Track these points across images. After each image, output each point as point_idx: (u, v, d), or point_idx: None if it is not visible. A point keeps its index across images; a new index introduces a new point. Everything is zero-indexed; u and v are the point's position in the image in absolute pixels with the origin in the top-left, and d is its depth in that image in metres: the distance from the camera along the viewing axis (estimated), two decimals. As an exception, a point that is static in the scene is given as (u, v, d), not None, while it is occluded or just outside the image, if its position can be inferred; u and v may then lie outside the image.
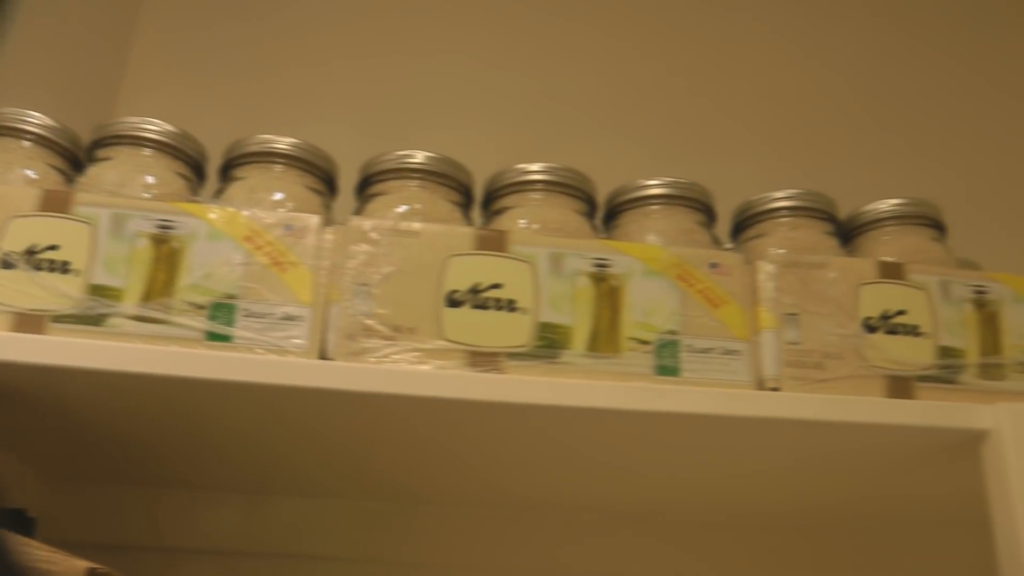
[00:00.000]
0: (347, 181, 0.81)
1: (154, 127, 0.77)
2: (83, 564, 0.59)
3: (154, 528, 0.93)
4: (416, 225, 0.71)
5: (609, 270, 0.72)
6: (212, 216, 0.70)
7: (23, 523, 0.71)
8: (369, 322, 0.68)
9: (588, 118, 1.21)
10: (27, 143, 0.77)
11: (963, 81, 1.32)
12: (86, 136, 0.80)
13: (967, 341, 0.76)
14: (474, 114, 1.19)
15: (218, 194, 0.77)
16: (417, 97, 1.19)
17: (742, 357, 0.71)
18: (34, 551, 0.59)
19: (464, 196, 0.79)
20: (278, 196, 0.75)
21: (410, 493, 0.92)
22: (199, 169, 0.80)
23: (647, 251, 0.73)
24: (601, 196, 0.82)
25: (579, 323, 0.70)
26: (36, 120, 0.77)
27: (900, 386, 0.73)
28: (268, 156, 0.77)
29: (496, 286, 0.70)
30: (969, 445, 0.71)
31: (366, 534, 0.94)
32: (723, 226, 0.83)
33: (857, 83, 1.30)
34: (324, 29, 1.22)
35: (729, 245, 0.83)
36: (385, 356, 0.67)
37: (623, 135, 1.20)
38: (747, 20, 1.31)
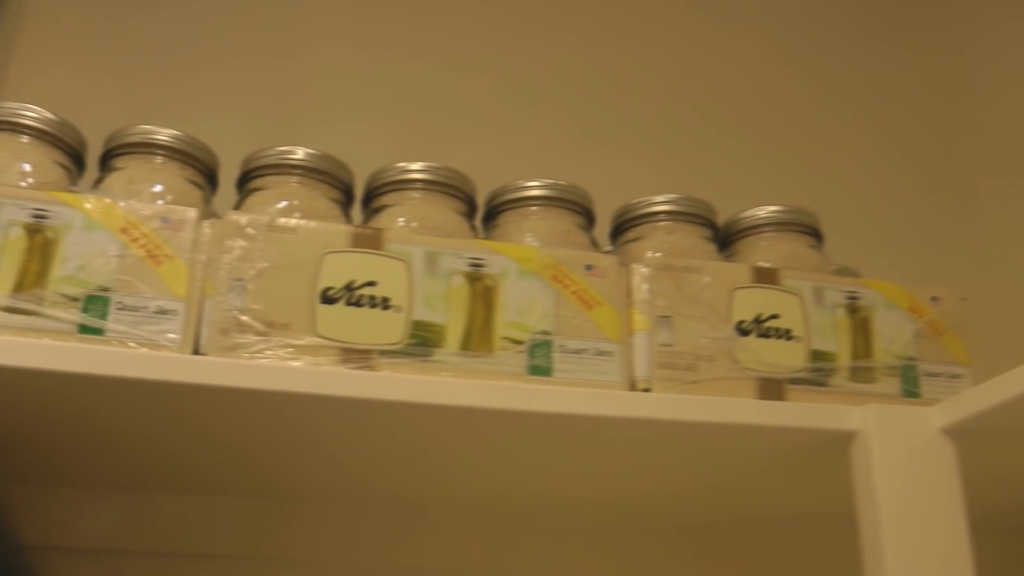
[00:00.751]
0: (232, 175, 0.81)
1: (33, 114, 0.76)
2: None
3: (29, 527, 0.91)
4: (292, 221, 0.71)
5: (484, 270, 0.72)
6: (88, 206, 0.69)
7: None
8: (243, 318, 0.67)
9: (478, 118, 1.21)
10: (-98, 130, 0.75)
11: (848, 90, 1.35)
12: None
13: (839, 345, 0.78)
14: (366, 112, 1.18)
15: (97, 184, 0.76)
16: (308, 93, 1.18)
17: (614, 358, 0.72)
18: None
19: (344, 194, 0.79)
20: (157, 188, 0.74)
21: (291, 489, 0.91)
22: (79, 158, 0.78)
23: (522, 251, 0.74)
24: (484, 196, 0.82)
25: (453, 322, 0.70)
26: (-90, 105, 0.75)
27: (771, 388, 0.75)
28: (148, 147, 0.76)
29: (371, 284, 0.70)
30: (839, 445, 0.73)
31: (248, 531, 0.93)
32: (605, 229, 0.85)
33: (742, 90, 1.32)
34: (218, 23, 1.20)
35: (609, 248, 0.84)
36: (258, 352, 0.67)
37: (512, 136, 1.20)
38: (634, 25, 1.32)
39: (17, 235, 0.68)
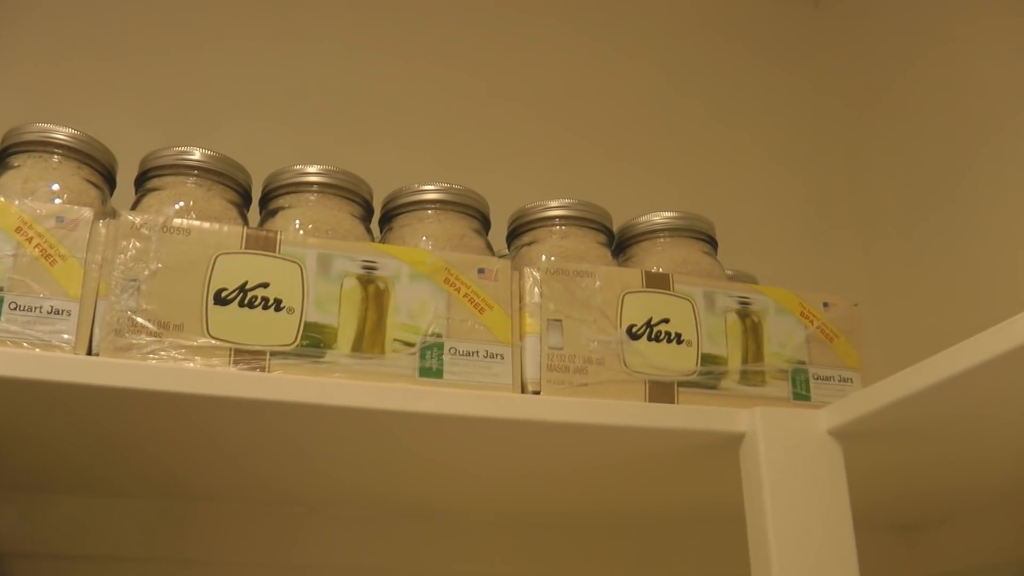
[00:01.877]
0: (132, 175, 0.81)
1: (-69, 113, 0.76)
2: None
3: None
4: (186, 222, 0.71)
5: (377, 272, 0.73)
6: (-19, 206, 0.69)
7: None
8: (136, 318, 0.68)
9: (380, 119, 1.21)
10: None
11: (746, 96, 1.38)
12: None
13: (729, 349, 0.81)
14: (267, 112, 1.18)
15: (-7, 183, 0.76)
16: (210, 92, 1.18)
17: (505, 361, 0.74)
18: None
19: (241, 196, 0.80)
20: (54, 187, 0.74)
21: (189, 489, 0.91)
22: (-25, 159, 0.78)
23: (415, 255, 0.75)
24: (372, 199, 0.83)
25: (345, 324, 0.71)
26: None
27: (661, 391, 0.77)
28: (45, 146, 0.76)
29: (264, 285, 0.71)
30: (728, 447, 0.75)
31: (146, 532, 0.92)
32: (502, 233, 0.86)
33: (639, 97, 1.33)
34: (118, 18, 1.19)
35: (506, 252, 0.86)
36: (151, 352, 0.67)
37: (413, 138, 1.21)
38: (535, 30, 1.33)
39: (-75, 234, 0.68)
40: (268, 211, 0.80)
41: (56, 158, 0.76)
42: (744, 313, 0.82)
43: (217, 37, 1.21)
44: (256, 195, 0.82)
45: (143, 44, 1.18)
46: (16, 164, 0.76)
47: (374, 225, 0.83)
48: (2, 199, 0.70)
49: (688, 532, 1.03)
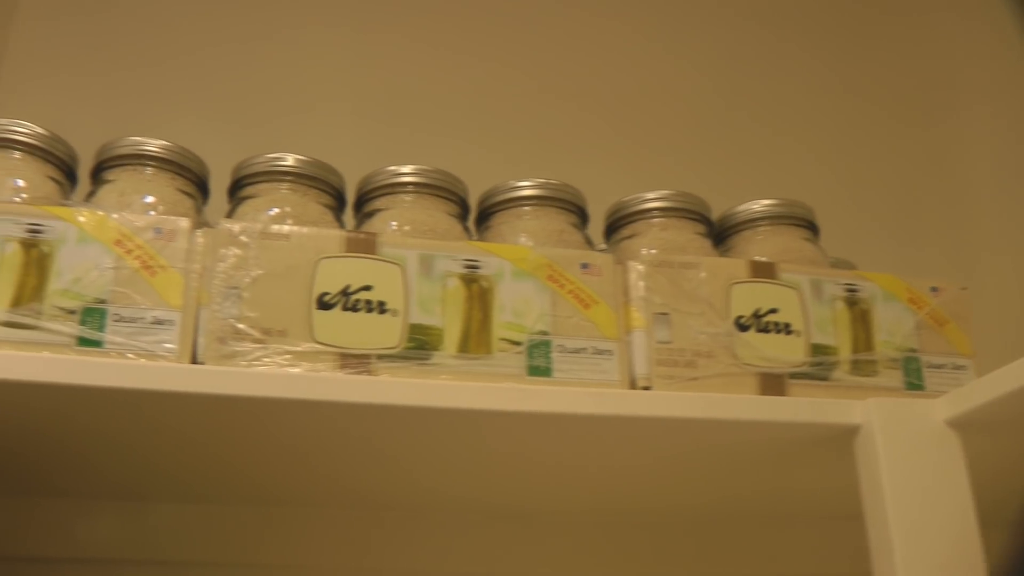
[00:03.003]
0: (221, 182, 0.81)
1: (24, 130, 0.76)
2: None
3: (28, 538, 0.91)
4: (285, 228, 0.70)
5: (479, 271, 0.72)
6: (81, 219, 0.69)
7: None
8: (239, 325, 0.67)
9: (462, 119, 1.21)
10: None
11: (841, 82, 1.35)
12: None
13: (839, 338, 0.78)
14: (350, 116, 1.18)
15: (89, 197, 0.76)
16: (293, 99, 1.18)
17: (613, 357, 0.72)
18: None
19: (335, 199, 0.79)
20: (149, 199, 0.74)
21: (287, 496, 0.91)
22: (70, 172, 0.78)
23: (516, 252, 0.73)
24: (474, 198, 0.82)
25: (450, 324, 0.70)
26: (-97, 124, 0.75)
27: (772, 383, 0.74)
28: (139, 159, 0.76)
29: (366, 288, 0.70)
30: (841, 440, 0.73)
31: (244, 539, 0.93)
32: (597, 227, 0.84)
33: (732, 83, 1.32)
34: (200, 31, 1.20)
35: (603, 246, 0.84)
36: (256, 359, 0.67)
37: (497, 136, 1.20)
38: (616, 21, 1.32)
39: (13, 250, 0.68)
40: (364, 214, 0.79)
41: (150, 170, 0.76)
42: (852, 301, 0.80)
43: (298, 45, 1.22)
44: (349, 199, 0.81)
45: (217, 52, 1.19)
46: (111, 178, 0.76)
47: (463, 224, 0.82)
48: (100, 213, 0.70)
49: (793, 529, 1.00)
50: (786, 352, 0.76)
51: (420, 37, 1.25)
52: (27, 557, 0.91)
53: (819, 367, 0.76)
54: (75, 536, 0.91)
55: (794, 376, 0.75)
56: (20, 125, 0.76)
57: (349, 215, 0.81)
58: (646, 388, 0.71)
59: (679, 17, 1.34)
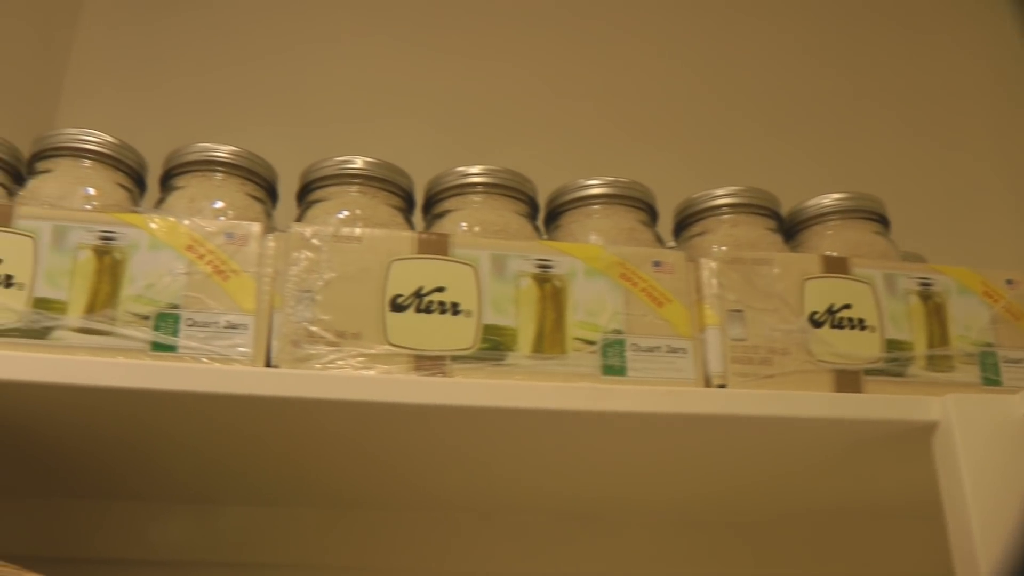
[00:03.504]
0: (287, 186, 0.81)
1: (94, 138, 0.76)
2: (34, 577, 0.58)
3: (101, 540, 0.92)
4: (357, 230, 0.70)
5: (552, 271, 0.72)
6: (153, 226, 0.69)
7: (-31, 540, 0.70)
8: (313, 328, 0.67)
9: (525, 119, 1.21)
10: (-34, 157, 0.76)
11: (900, 74, 1.33)
12: (27, 148, 0.79)
13: (914, 333, 0.77)
14: (411, 118, 1.18)
15: (159, 204, 0.76)
16: (357, 99, 1.19)
17: (688, 355, 0.71)
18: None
19: (405, 200, 0.79)
20: (218, 204, 0.74)
21: (357, 499, 0.91)
22: (139, 179, 0.79)
23: (589, 251, 0.73)
24: (541, 197, 0.82)
25: (523, 325, 0.70)
26: (-27, 135, 0.76)
27: (848, 380, 0.73)
28: (208, 164, 0.76)
29: (439, 289, 0.70)
30: (919, 437, 0.72)
31: (315, 541, 0.93)
32: (665, 224, 0.83)
33: (798, 78, 1.30)
34: (261, 37, 1.21)
35: (672, 243, 0.83)
36: (330, 362, 0.67)
37: (560, 135, 1.20)
38: (682, 19, 1.31)
39: (86, 258, 0.69)
40: (433, 215, 0.79)
41: (219, 176, 0.76)
42: (926, 295, 0.78)
43: (358, 49, 1.22)
44: (417, 201, 0.81)
45: (280, 58, 1.20)
46: (180, 184, 0.76)
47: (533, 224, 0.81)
48: (171, 219, 0.70)
49: (868, 528, 0.99)
50: (861, 348, 0.75)
51: (483, 40, 1.25)
52: (99, 559, 0.92)
53: (894, 363, 0.75)
54: (147, 538, 0.92)
55: (869, 372, 0.74)
56: (90, 134, 0.77)
57: (417, 217, 0.81)
58: (721, 386, 0.71)
59: (747, 13, 1.33)
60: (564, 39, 1.27)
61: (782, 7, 1.34)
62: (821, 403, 0.71)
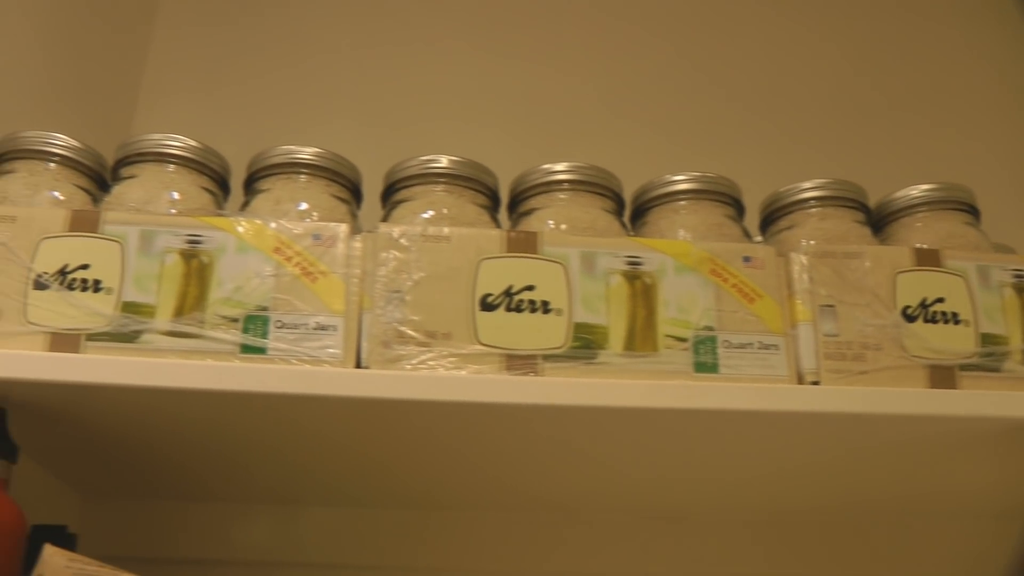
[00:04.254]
0: (367, 187, 0.81)
1: (177, 143, 0.77)
2: (131, 577, 0.59)
3: (186, 540, 0.93)
4: (446, 229, 0.70)
5: (642, 268, 0.71)
6: (240, 229, 0.70)
7: (65, 539, 0.70)
8: (403, 329, 0.67)
9: (602, 116, 1.20)
10: (53, 165, 0.76)
11: (986, 62, 1.30)
12: (108, 153, 0.80)
13: (1008, 327, 0.75)
14: (485, 113, 1.18)
15: (244, 207, 0.77)
16: (429, 97, 1.19)
17: (780, 351, 0.70)
18: (83, 565, 0.60)
19: (490, 199, 0.79)
20: (303, 206, 0.75)
21: (442, 500, 0.91)
22: (223, 182, 0.79)
23: (679, 247, 0.72)
24: (623, 193, 0.81)
25: (614, 322, 0.69)
26: (61, 142, 0.77)
27: (943, 376, 0.72)
28: (292, 167, 0.76)
29: (529, 288, 0.69)
30: (1015, 434, 0.70)
31: (398, 542, 0.93)
32: (750, 219, 0.82)
33: (877, 66, 1.28)
34: (334, 29, 1.22)
35: (758, 238, 0.82)
36: (421, 362, 0.66)
37: (632, 133, 1.19)
38: (758, 11, 1.30)
39: (174, 262, 0.69)
40: (519, 213, 0.78)
41: (304, 177, 0.76)
42: (1021, 287, 0.76)
43: (432, 49, 1.23)
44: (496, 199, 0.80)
45: (355, 58, 1.20)
46: (265, 188, 0.76)
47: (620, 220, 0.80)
48: (258, 222, 0.70)
49: (959, 525, 0.96)
50: (955, 343, 0.73)
51: (556, 39, 1.25)
52: (182, 559, 0.93)
53: (990, 358, 0.73)
54: (232, 539, 0.93)
55: (964, 368, 0.72)
56: (173, 139, 0.77)
57: (502, 215, 0.80)
58: (814, 383, 0.69)
59: (824, 2, 1.31)
60: (639, 34, 1.26)
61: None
62: (917, 400, 0.69)
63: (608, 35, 1.26)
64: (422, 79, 1.20)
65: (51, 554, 0.60)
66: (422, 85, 1.20)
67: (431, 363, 0.66)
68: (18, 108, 0.85)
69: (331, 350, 0.67)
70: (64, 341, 0.66)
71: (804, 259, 0.73)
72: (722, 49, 1.27)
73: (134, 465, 0.84)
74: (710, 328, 0.70)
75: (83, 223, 0.70)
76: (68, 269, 0.68)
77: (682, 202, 0.78)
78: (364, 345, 0.67)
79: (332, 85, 1.18)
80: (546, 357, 0.67)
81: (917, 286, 0.74)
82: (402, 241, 0.70)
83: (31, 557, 0.62)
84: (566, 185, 0.77)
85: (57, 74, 0.94)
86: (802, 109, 1.23)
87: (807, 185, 0.80)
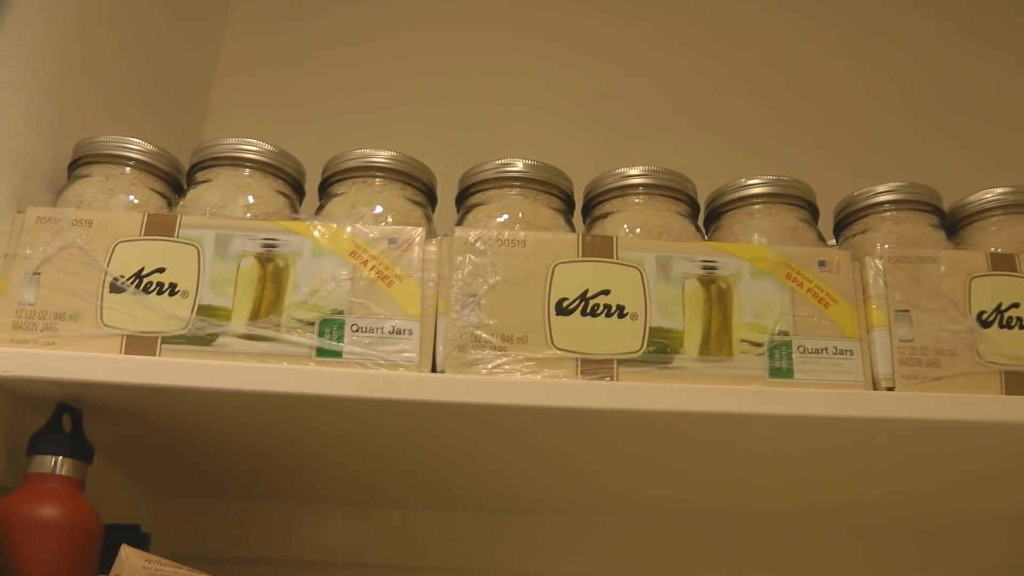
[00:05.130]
0: (441, 191, 0.81)
1: (252, 147, 0.78)
2: (208, 577, 0.60)
3: (257, 540, 0.94)
4: (522, 233, 0.71)
5: (717, 272, 0.71)
6: (316, 233, 0.71)
7: (139, 538, 0.72)
8: (479, 333, 0.68)
9: (666, 120, 1.20)
10: (128, 169, 0.77)
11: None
12: (180, 153, 0.81)
13: (1086, 333, 0.74)
14: (553, 116, 1.18)
15: (319, 210, 0.77)
16: (498, 100, 1.19)
17: (855, 357, 0.69)
18: (160, 566, 0.60)
19: (565, 203, 0.79)
20: (379, 210, 0.75)
21: (514, 502, 0.92)
22: (298, 186, 0.80)
23: (754, 251, 0.72)
24: (697, 197, 0.80)
25: (690, 327, 0.69)
26: (136, 146, 0.78)
27: (1018, 382, 0.71)
28: (367, 170, 0.77)
29: (604, 292, 0.69)
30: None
31: (467, 544, 0.94)
32: (824, 223, 0.82)
33: (953, 68, 1.26)
34: (403, 32, 1.22)
35: (832, 242, 0.82)
36: (497, 367, 0.67)
37: (702, 137, 1.18)
38: (831, 14, 1.29)
39: (249, 265, 0.70)
40: (593, 217, 0.78)
41: (379, 181, 0.77)
42: (1100, 293, 0.75)
43: (499, 53, 1.23)
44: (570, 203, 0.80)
45: (425, 61, 1.21)
46: (340, 192, 0.77)
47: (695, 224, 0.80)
48: (334, 226, 0.71)
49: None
50: (1031, 349, 0.72)
51: (631, 41, 1.24)
52: (253, 559, 0.94)
53: (1065, 363, 0.72)
54: (303, 540, 0.94)
55: (1040, 374, 0.71)
56: (248, 143, 0.78)
57: (576, 219, 0.80)
58: (889, 389, 0.69)
59: (881, 4, 1.29)
60: (709, 37, 1.25)
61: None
62: (992, 406, 0.68)
63: (683, 38, 1.25)
64: (496, 82, 1.20)
65: (128, 554, 0.61)
66: (496, 88, 1.20)
67: (506, 367, 0.67)
68: (92, 113, 0.86)
69: (407, 354, 0.67)
70: (140, 344, 0.67)
71: (879, 263, 0.72)
72: (796, 51, 1.26)
73: (207, 466, 0.85)
74: (785, 333, 0.70)
75: (159, 227, 0.71)
76: (144, 272, 0.69)
77: (757, 206, 0.77)
78: (440, 349, 0.68)
79: (405, 88, 1.19)
80: (621, 362, 0.67)
81: (992, 291, 0.73)
82: (478, 245, 0.70)
83: (105, 556, 0.64)
84: (640, 189, 0.77)
85: (132, 79, 0.95)
86: (877, 112, 1.22)
87: (881, 189, 0.79)
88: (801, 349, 0.69)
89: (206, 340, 0.68)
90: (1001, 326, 0.72)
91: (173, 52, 1.07)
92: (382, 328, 0.68)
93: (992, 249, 0.77)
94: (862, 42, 1.27)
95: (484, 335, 0.68)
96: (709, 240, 0.79)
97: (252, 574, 0.92)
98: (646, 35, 1.25)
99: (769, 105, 1.21)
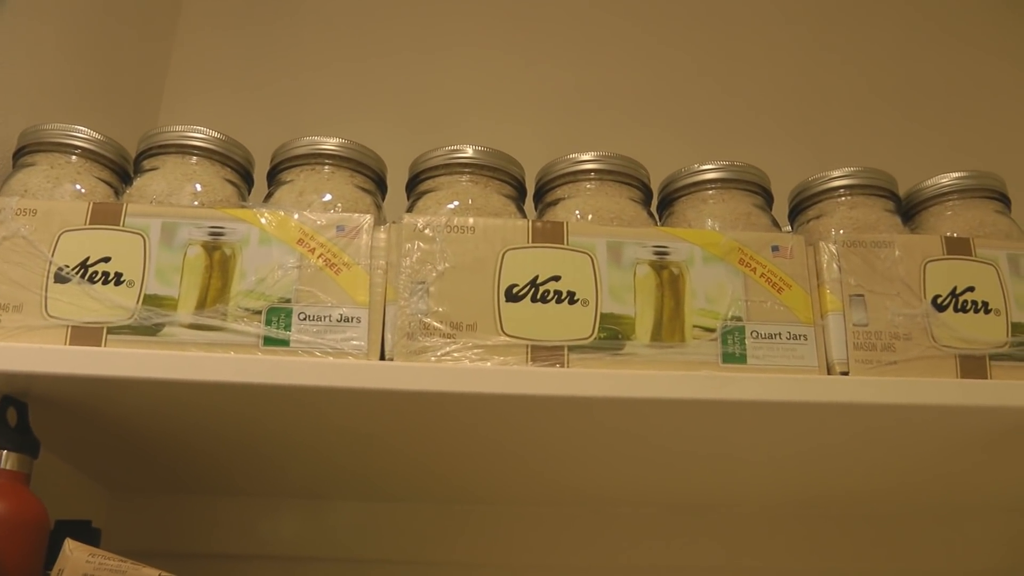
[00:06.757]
0: (392, 178, 0.80)
1: (200, 135, 0.76)
2: (153, 571, 0.59)
3: (214, 535, 0.93)
4: (471, 220, 0.70)
5: (669, 257, 0.70)
6: (263, 221, 0.69)
7: (90, 534, 0.71)
8: (428, 320, 0.67)
9: (624, 109, 1.19)
10: (75, 158, 0.76)
11: (1019, 49, 1.29)
12: (132, 146, 0.79)
13: (1042, 316, 0.73)
14: (511, 107, 1.18)
15: (267, 199, 0.76)
16: (454, 92, 1.19)
17: (809, 342, 0.69)
18: (104, 560, 0.59)
19: (516, 189, 0.78)
20: (327, 198, 0.74)
21: (472, 494, 0.91)
22: (247, 174, 0.79)
23: (707, 237, 0.71)
24: (650, 183, 0.80)
25: (642, 313, 0.68)
26: (82, 135, 0.76)
27: (974, 366, 0.70)
28: (316, 158, 0.76)
29: (555, 278, 0.68)
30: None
31: (426, 537, 0.93)
32: (778, 208, 0.81)
33: (908, 55, 1.26)
34: (360, 26, 1.21)
35: (787, 228, 0.81)
36: (446, 354, 0.66)
37: (660, 124, 1.18)
38: (786, 1, 1.29)
39: (196, 254, 0.69)
40: (545, 204, 0.77)
41: (327, 169, 0.76)
42: (1053, 276, 0.75)
43: (454, 41, 1.22)
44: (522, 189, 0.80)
45: (383, 53, 1.20)
46: (289, 179, 0.76)
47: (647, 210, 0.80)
48: (282, 213, 0.70)
49: (993, 523, 0.95)
50: (986, 333, 0.72)
51: (582, 33, 1.24)
52: (211, 553, 0.93)
53: (1021, 347, 0.72)
54: (259, 533, 0.93)
55: (995, 358, 0.71)
56: (195, 130, 0.77)
57: (528, 206, 0.79)
58: (844, 373, 0.68)
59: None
60: (661, 29, 1.25)
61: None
62: (947, 390, 0.68)
63: (634, 27, 1.25)
64: (448, 76, 1.19)
65: (72, 548, 0.60)
66: (448, 82, 1.19)
67: (456, 355, 0.66)
68: (41, 109, 0.85)
69: (355, 342, 0.66)
70: (85, 334, 0.66)
71: (833, 248, 0.72)
72: (750, 39, 1.25)
73: (159, 459, 0.84)
74: (738, 318, 0.69)
75: (105, 216, 0.70)
76: (89, 262, 0.68)
77: (710, 191, 0.77)
78: (388, 337, 0.67)
79: (364, 81, 1.18)
80: (572, 348, 0.67)
81: (947, 275, 0.73)
82: (427, 232, 0.69)
83: (54, 552, 0.62)
84: (592, 175, 0.76)
85: (81, 75, 0.94)
86: (831, 98, 1.22)
87: (836, 174, 0.79)
88: (754, 334, 0.69)
89: (152, 330, 0.66)
90: (956, 310, 0.72)
91: (126, 44, 1.06)
92: (330, 316, 0.67)
93: (948, 233, 0.77)
94: (821, 29, 1.27)
95: (433, 322, 0.67)
96: (663, 226, 0.78)
97: (210, 569, 0.91)
98: (606, 25, 1.25)
99: (726, 92, 1.21)
